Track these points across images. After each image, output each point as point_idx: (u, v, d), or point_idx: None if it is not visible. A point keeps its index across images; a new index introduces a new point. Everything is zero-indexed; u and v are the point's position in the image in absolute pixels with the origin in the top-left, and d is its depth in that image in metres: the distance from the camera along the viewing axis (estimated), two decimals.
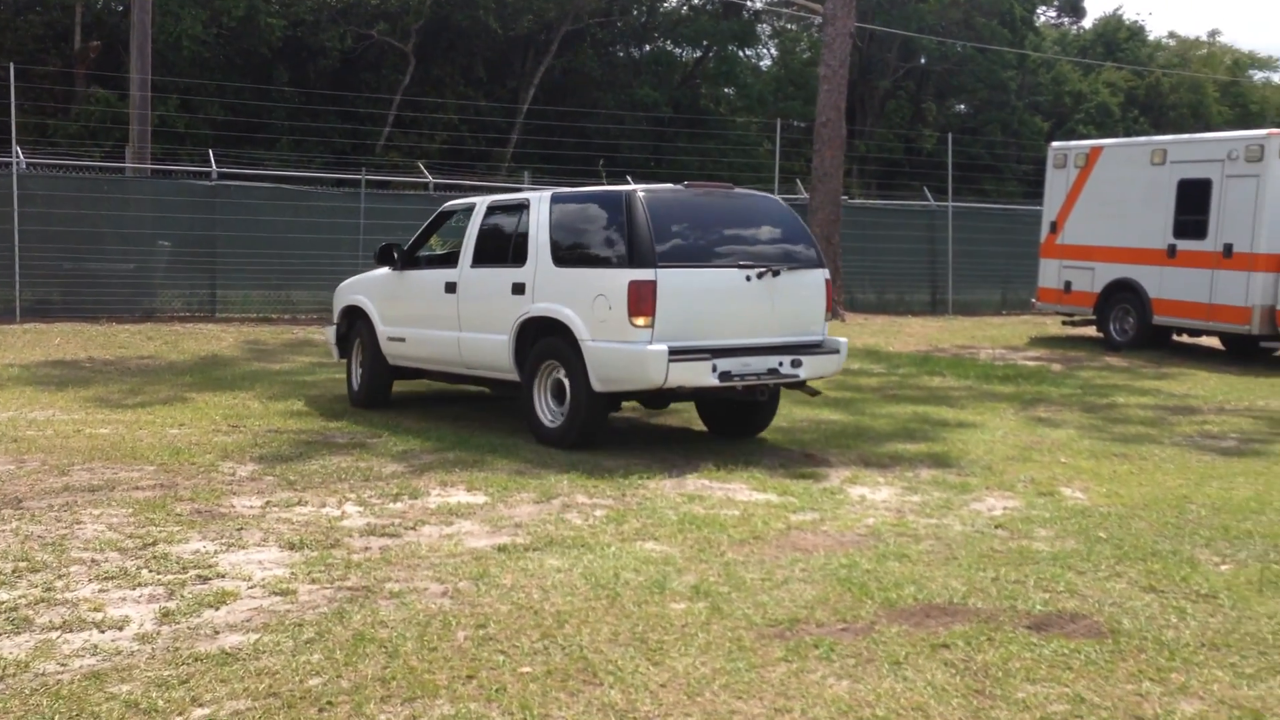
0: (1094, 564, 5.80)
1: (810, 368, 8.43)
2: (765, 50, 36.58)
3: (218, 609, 4.86)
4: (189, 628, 4.63)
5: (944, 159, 25.15)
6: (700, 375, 7.96)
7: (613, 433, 9.11)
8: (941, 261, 23.26)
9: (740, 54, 33.63)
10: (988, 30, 33.96)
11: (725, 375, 8.01)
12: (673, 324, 7.92)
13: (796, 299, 8.48)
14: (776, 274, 8.30)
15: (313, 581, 5.24)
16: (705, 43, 32.47)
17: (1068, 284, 17.68)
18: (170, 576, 5.27)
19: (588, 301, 8.12)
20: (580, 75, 30.38)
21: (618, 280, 7.95)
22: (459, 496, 6.95)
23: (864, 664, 4.40)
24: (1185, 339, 17.05)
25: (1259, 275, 14.89)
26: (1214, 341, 16.97)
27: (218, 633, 4.59)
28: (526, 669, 4.27)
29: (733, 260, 8.23)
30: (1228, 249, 15.23)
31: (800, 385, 8.61)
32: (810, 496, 7.13)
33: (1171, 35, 43.05)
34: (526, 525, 6.28)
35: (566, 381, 8.30)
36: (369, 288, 10.33)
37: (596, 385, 8.11)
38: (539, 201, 8.82)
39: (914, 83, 35.91)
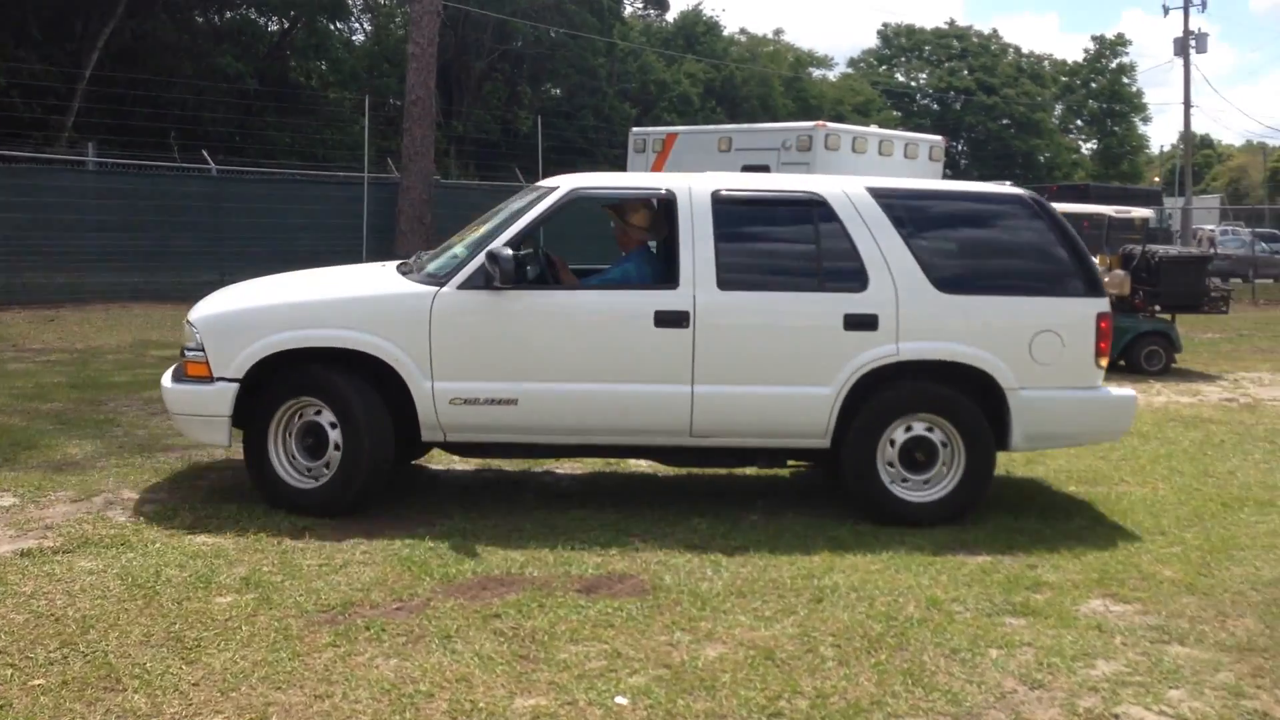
0: (648, 527, 6.12)
1: None
2: (358, 24, 35.77)
3: None
4: None
5: (540, 141, 25.68)
6: None
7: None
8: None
9: (331, 26, 32.64)
10: (579, 17, 35.04)
11: None
12: None
13: None
14: None
15: None
16: (293, 13, 31.22)
17: None
18: None
19: (1019, 340, 6.35)
20: (153, 40, 28.24)
21: (1074, 311, 6.40)
22: None
23: (414, 641, 4.40)
24: None
25: None
26: None
27: None
28: (39, 681, 3.92)
29: None
30: None
31: None
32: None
33: (743, 32, 46.49)
34: (59, 526, 5.77)
35: (941, 440, 6.35)
36: (378, 321, 6.11)
37: (1020, 443, 6.44)
38: (851, 199, 6.43)
39: (509, 65, 36.42)
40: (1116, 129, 64.74)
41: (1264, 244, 33.01)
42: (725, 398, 6.23)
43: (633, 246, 6.77)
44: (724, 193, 6.40)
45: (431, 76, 20.50)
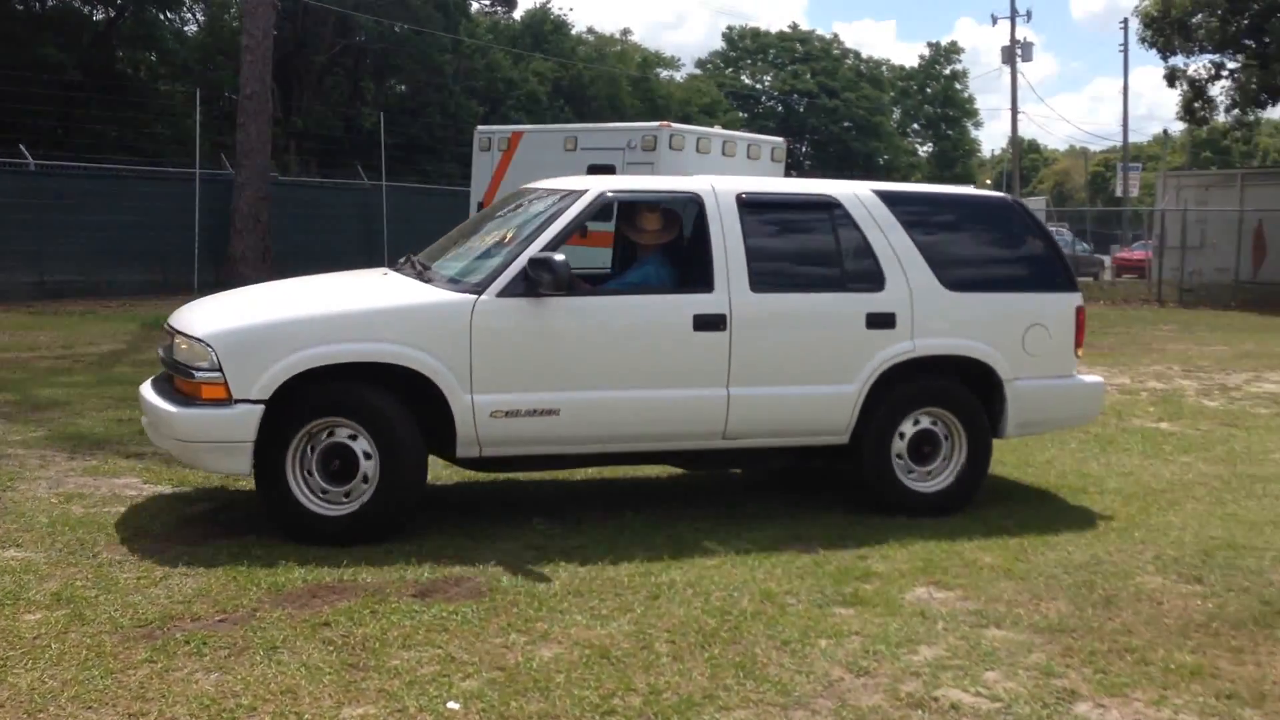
0: (487, 530, 6.06)
1: None
2: (190, 15, 34.47)
3: None
4: None
5: (384, 138, 25.22)
6: None
7: None
8: (378, 241, 23.35)
9: (161, 16, 31.38)
10: (424, 13, 34.51)
11: None
12: None
13: None
14: None
15: None
16: (120, 1, 29.89)
17: None
18: None
19: (1013, 332, 6.70)
20: None
21: (1058, 305, 6.85)
22: None
23: (237, 654, 4.26)
24: None
25: None
26: None
27: None
28: None
29: None
30: None
31: None
32: (210, 486, 6.80)
33: (591, 31, 46.56)
34: None
35: (943, 432, 6.65)
36: (417, 333, 5.74)
37: (1012, 431, 6.81)
38: (863, 201, 6.64)
39: (352, 60, 35.66)
40: (951, 133, 67.22)
41: (1084, 244, 34.73)
42: (758, 399, 6.27)
43: (648, 252, 6.64)
44: (746, 196, 6.44)
45: (267, 70, 19.93)
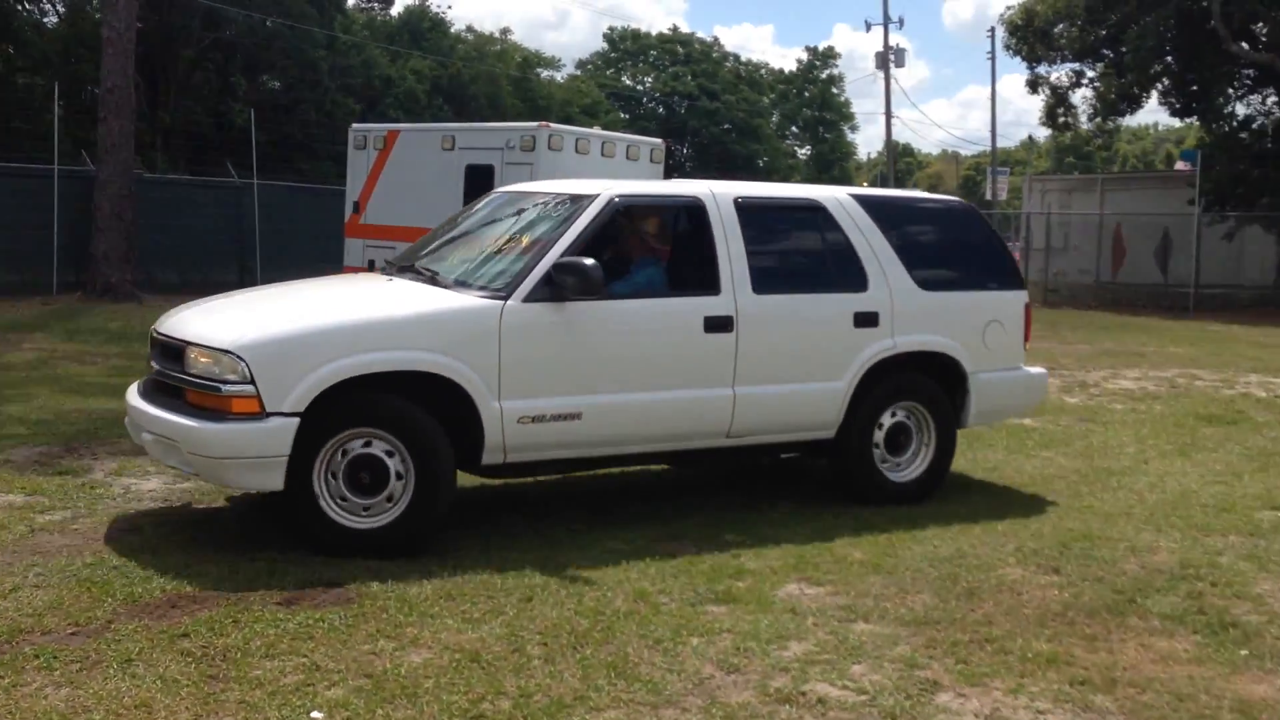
0: None
1: None
2: (50, 6, 33.11)
3: None
4: None
5: (257, 135, 24.58)
6: None
7: None
8: (249, 240, 22.77)
9: (19, 7, 30.09)
10: (296, 8, 33.69)
11: None
12: None
13: None
14: None
15: None
16: None
17: (371, 263, 18.09)
18: None
19: (975, 328, 7.14)
20: None
21: (1010, 302, 7.36)
22: None
23: (90, 668, 4.09)
24: None
25: None
26: None
27: None
28: None
29: None
30: None
31: None
32: (65, 494, 6.54)
33: (470, 30, 46.09)
34: None
35: (914, 424, 7.05)
36: (448, 340, 5.65)
37: (973, 420, 7.27)
38: (844, 205, 6.94)
39: (222, 54, 34.63)
40: (828, 136, 68.42)
41: None
42: (761, 398, 6.47)
43: (649, 256, 6.58)
44: (742, 200, 6.62)
45: (130, 63, 19.27)
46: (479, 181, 16.91)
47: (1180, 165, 35.36)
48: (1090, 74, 29.50)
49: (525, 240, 6.21)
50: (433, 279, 6.19)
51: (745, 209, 6.58)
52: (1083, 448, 8.95)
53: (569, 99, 48.10)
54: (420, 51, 40.11)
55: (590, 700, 4.01)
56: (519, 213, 6.63)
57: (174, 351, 5.60)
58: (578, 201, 6.28)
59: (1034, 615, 4.99)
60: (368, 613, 4.76)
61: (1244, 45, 25.80)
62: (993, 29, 49.71)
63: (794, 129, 69.43)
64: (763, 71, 66.13)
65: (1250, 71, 27.31)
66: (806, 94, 67.33)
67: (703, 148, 59.42)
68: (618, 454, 6.39)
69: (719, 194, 6.58)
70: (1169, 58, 27.41)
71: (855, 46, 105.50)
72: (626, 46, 61.52)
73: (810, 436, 6.80)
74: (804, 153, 68.85)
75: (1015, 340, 7.38)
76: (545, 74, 51.05)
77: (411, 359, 5.55)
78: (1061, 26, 28.43)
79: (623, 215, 6.38)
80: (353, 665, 4.22)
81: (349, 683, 4.07)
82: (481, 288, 5.92)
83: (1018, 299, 7.44)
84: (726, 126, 59.11)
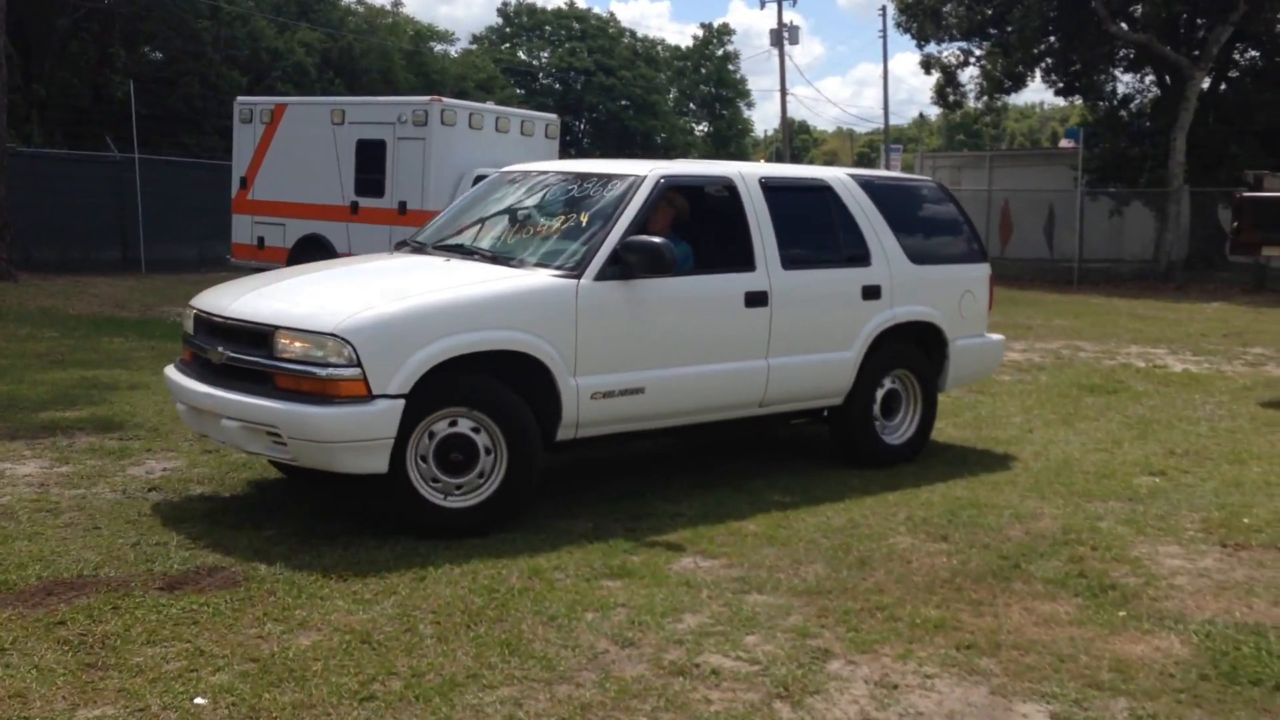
0: (244, 516, 5.83)
1: None
2: None
3: None
4: None
5: (138, 108, 23.76)
6: None
7: None
8: (132, 216, 22.04)
9: None
10: None
11: None
12: None
13: None
14: None
15: None
16: None
17: (261, 239, 17.74)
18: None
19: (952, 299, 7.66)
20: None
21: (979, 274, 7.93)
22: None
23: None
24: None
25: None
26: None
27: None
28: None
29: None
30: (402, 206, 16.35)
31: None
32: None
33: (360, 2, 45.04)
34: None
35: (903, 389, 7.54)
36: (533, 319, 5.74)
37: (949, 384, 7.85)
38: (846, 185, 7.37)
39: (99, 24, 33.35)
40: (725, 113, 68.71)
41: None
42: (789, 368, 6.82)
43: (685, 233, 6.61)
44: (765, 180, 6.93)
45: (1, 33, 18.43)
46: (370, 156, 16.66)
47: (1065, 143, 36.40)
48: (978, 53, 30.10)
49: (580, 219, 6.31)
50: (494, 259, 6.22)
51: (769, 188, 6.89)
52: (971, 418, 9.16)
53: (464, 74, 47.49)
54: (308, 23, 39.17)
55: (483, 678, 3.97)
56: (563, 192, 6.69)
57: (254, 336, 5.47)
58: (627, 181, 6.40)
59: (923, 582, 5.09)
60: (254, 596, 4.65)
61: (1123, 25, 26.57)
62: (884, 7, 50.34)
63: (691, 106, 69.58)
64: (659, 48, 66.09)
65: (1129, 51, 28.15)
66: (703, 70, 67.49)
67: (600, 124, 59.27)
68: (667, 426, 6.57)
69: (746, 174, 6.89)
70: (1052, 37, 28.11)
71: (751, 24, 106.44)
72: (522, 21, 60.93)
73: (825, 403, 7.22)
74: (701, 129, 69.06)
75: (983, 309, 7.97)
76: (439, 48, 50.23)
77: (506, 338, 5.64)
78: (950, 5, 28.94)
79: (669, 195, 6.52)
80: (238, 650, 4.12)
81: (234, 667, 3.97)
82: (556, 267, 5.99)
83: (984, 271, 8.00)
84: (624, 103, 58.99)
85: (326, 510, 5.95)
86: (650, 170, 6.48)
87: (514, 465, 5.64)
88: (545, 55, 60.78)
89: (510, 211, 6.82)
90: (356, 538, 5.47)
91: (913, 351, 7.54)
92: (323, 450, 5.29)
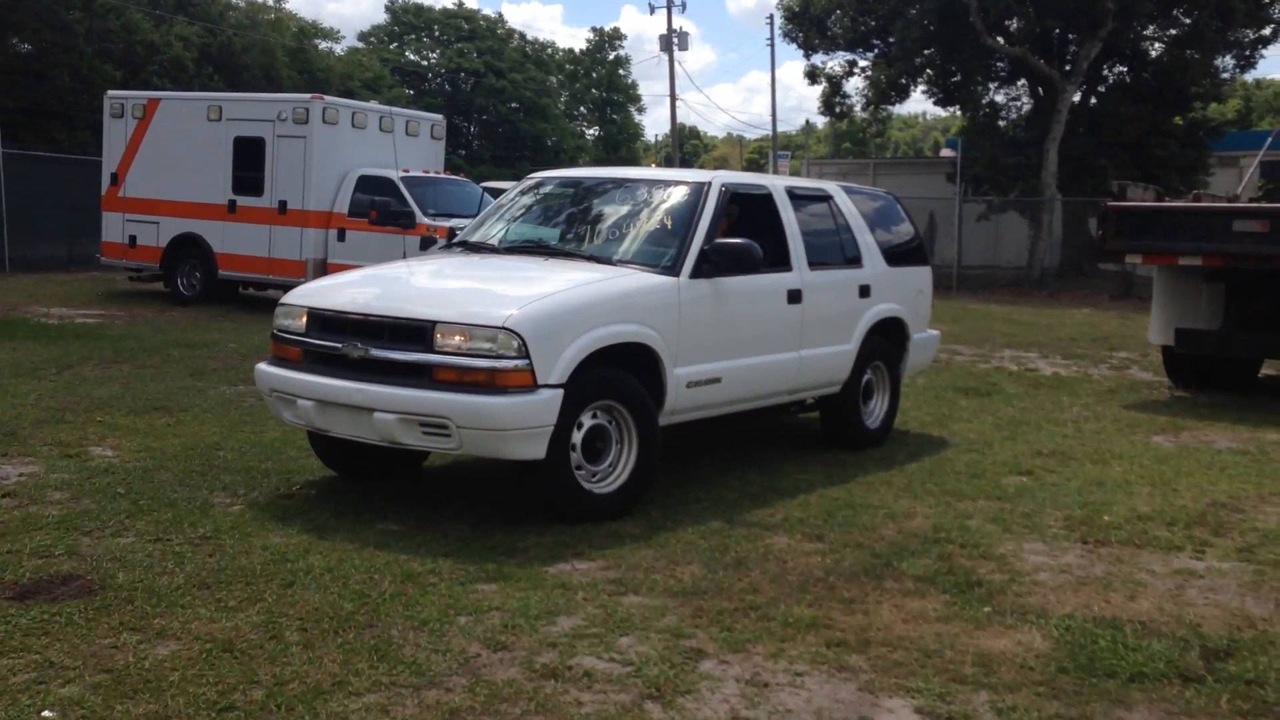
0: (104, 522, 5.62)
1: None
2: None
3: None
4: None
5: (4, 101, 22.80)
6: None
7: None
8: None
9: None
10: None
11: None
12: None
13: None
14: None
15: None
16: None
17: (133, 238, 17.19)
18: None
19: (912, 297, 8.60)
20: None
21: (927, 275, 8.98)
22: None
23: None
24: (252, 291, 17.57)
25: (310, 231, 15.89)
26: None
27: None
28: None
29: None
30: (283, 205, 16.00)
31: None
32: None
33: None
34: None
35: (876, 379, 8.39)
36: (647, 313, 6.16)
37: (905, 374, 8.78)
38: (840, 193, 8.34)
39: None
40: (616, 117, 68.84)
41: None
42: (813, 358, 7.53)
43: (741, 235, 6.98)
44: (788, 189, 7.76)
45: None
46: (249, 154, 16.27)
47: (945, 151, 37.31)
48: (863, 63, 30.70)
49: (665, 222, 6.81)
50: (593, 259, 6.58)
51: (792, 197, 7.69)
52: None
53: (350, 72, 46.72)
54: (185, 17, 38.08)
55: (349, 685, 3.88)
56: (629, 197, 7.16)
57: (409, 331, 5.67)
58: (695, 188, 6.98)
59: (797, 582, 5.14)
60: (111, 605, 4.48)
61: (999, 39, 27.36)
62: (772, 16, 51.00)
63: (582, 109, 69.56)
64: (550, 51, 65.92)
65: (1004, 64, 29.00)
66: (595, 75, 67.55)
67: (489, 126, 58.87)
68: (728, 415, 7.17)
69: (775, 184, 7.73)
70: (932, 49, 28.80)
71: (642, 29, 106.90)
72: (410, 20, 60.13)
73: (829, 391, 7.91)
74: (592, 133, 69.09)
75: (928, 307, 8.99)
76: (324, 45, 49.24)
77: (637, 331, 6.10)
78: (835, 15, 29.46)
79: (729, 200, 7.05)
80: (91, 660, 3.96)
81: (86, 679, 3.81)
82: (656, 266, 6.46)
83: (928, 273, 9.04)
84: (514, 105, 58.66)
85: (191, 512, 5.76)
86: (712, 178, 7.11)
87: (642, 452, 6.08)
88: (434, 56, 60.11)
89: (581, 215, 7.26)
90: (223, 543, 5.31)
91: (885, 344, 8.33)
92: (494, 438, 5.56)
